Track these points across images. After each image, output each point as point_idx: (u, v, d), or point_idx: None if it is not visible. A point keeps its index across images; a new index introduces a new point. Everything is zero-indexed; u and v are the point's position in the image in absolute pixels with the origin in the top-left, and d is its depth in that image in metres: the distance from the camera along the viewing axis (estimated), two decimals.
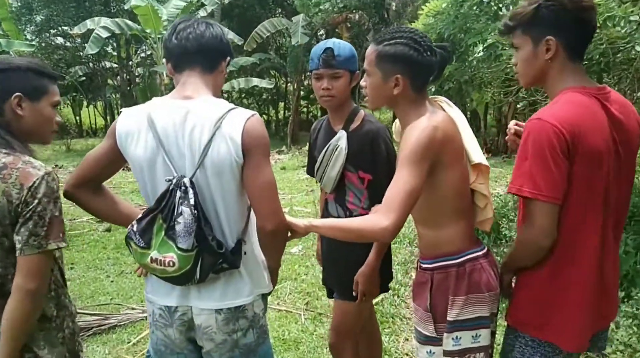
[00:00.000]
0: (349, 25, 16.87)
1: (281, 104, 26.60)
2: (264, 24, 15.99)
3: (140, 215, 1.55)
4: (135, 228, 1.53)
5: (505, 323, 1.75)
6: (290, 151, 14.88)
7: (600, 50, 3.13)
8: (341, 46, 2.15)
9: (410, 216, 1.68)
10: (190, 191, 1.50)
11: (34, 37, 20.13)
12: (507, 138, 1.90)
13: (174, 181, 1.51)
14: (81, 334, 1.93)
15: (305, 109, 27.72)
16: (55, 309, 1.65)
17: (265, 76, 20.56)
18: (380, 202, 2.06)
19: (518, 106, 6.54)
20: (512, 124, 1.87)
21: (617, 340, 3.10)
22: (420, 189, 1.59)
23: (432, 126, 1.61)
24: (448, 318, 1.72)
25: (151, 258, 1.52)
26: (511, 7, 3.83)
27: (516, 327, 1.71)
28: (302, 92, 20.28)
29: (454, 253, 1.74)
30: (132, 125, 1.59)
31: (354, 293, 2.22)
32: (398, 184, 1.58)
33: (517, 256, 1.70)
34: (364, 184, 2.20)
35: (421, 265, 1.83)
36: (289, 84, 23.40)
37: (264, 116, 24.92)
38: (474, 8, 4.12)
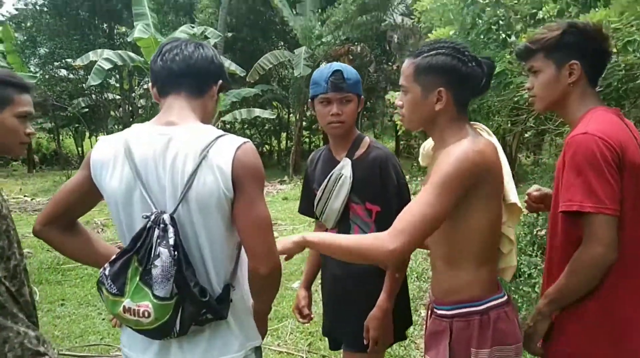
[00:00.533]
0: (351, 57, 16.98)
1: (283, 135, 26.71)
2: (266, 56, 16.12)
3: (113, 257, 1.34)
4: (107, 272, 1.33)
5: None
6: (292, 180, 14.72)
7: (618, 76, 2.98)
8: (348, 69, 2.01)
9: (423, 250, 1.52)
10: (171, 230, 1.30)
11: (37, 69, 20.34)
12: (525, 200, 1.84)
13: (152, 217, 1.32)
14: None
15: (307, 139, 27.82)
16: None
17: (267, 106, 20.64)
18: None
19: (526, 134, 6.38)
20: (532, 190, 1.82)
21: None
22: (442, 219, 1.43)
23: (475, 151, 1.45)
24: None
25: (124, 307, 1.31)
26: (520, 35, 3.70)
27: None
28: (304, 123, 20.32)
29: (477, 299, 1.53)
30: (108, 154, 1.40)
31: (365, 342, 1.97)
32: (419, 205, 1.41)
33: (574, 285, 1.50)
34: (371, 217, 1.99)
35: (436, 311, 1.62)
36: (291, 115, 23.51)
37: (266, 146, 24.98)
38: (482, 36, 3.99)
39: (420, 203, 1.42)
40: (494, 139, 1.62)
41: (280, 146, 25.81)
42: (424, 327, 1.75)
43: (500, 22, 4.03)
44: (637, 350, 1.52)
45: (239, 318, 1.47)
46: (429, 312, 1.70)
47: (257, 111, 15.61)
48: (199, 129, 1.41)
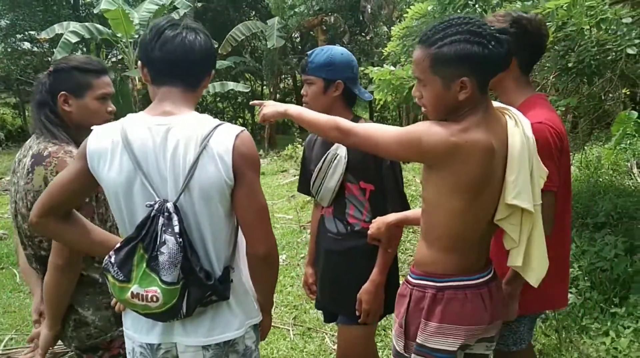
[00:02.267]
0: (325, 28, 16.78)
1: (257, 108, 26.43)
2: (238, 27, 15.78)
3: (118, 245, 1.37)
4: (113, 259, 1.36)
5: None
6: (269, 155, 14.66)
7: (591, 53, 3.07)
8: (321, 52, 2.03)
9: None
10: (175, 218, 1.34)
11: None
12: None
13: (156, 206, 1.34)
14: None
15: None
16: (101, 277, 1.79)
17: (240, 79, 20.36)
18: (382, 214, 1.95)
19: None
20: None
21: (616, 349, 3.03)
22: (385, 153, 1.63)
23: (447, 140, 1.44)
24: (417, 340, 1.60)
25: (132, 292, 1.35)
26: (496, 10, 3.75)
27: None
28: (278, 95, 20.12)
29: (436, 275, 1.59)
30: (105, 145, 1.40)
31: (358, 314, 2.06)
32: (382, 130, 1.59)
33: None
34: (365, 195, 2.05)
35: (408, 276, 1.70)
36: (264, 87, 23.25)
37: (240, 119, 24.70)
38: (459, 10, 4.03)
39: (384, 130, 1.59)
40: (518, 131, 1.53)
41: (254, 119, 25.56)
42: None
43: None
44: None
45: (238, 298, 1.53)
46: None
47: (231, 84, 15.36)
48: (197, 119, 1.43)
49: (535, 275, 1.60)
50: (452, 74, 1.45)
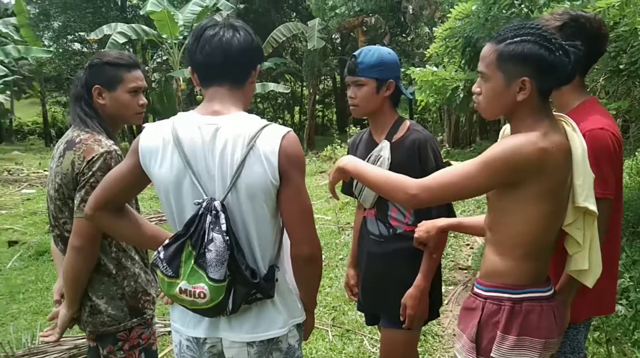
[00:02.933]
0: (365, 29, 16.74)
1: (296, 109, 26.60)
2: (279, 29, 15.95)
3: (167, 241, 1.42)
4: (162, 255, 1.40)
5: None
6: (308, 156, 14.75)
7: None
8: (369, 52, 2.00)
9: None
10: (222, 216, 1.37)
11: (51, 43, 20.36)
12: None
13: (204, 204, 1.38)
14: None
15: (320, 113, 27.69)
16: (116, 268, 1.88)
17: (280, 80, 20.54)
18: (426, 218, 1.93)
19: None
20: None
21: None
22: (470, 192, 1.48)
23: (536, 148, 1.41)
24: (492, 355, 1.54)
25: (180, 288, 1.38)
26: (544, 10, 3.66)
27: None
28: (317, 97, 20.20)
29: (512, 287, 1.54)
30: (156, 143, 1.45)
31: (402, 319, 2.04)
32: (456, 171, 1.45)
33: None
34: None
35: (474, 288, 1.65)
36: (304, 88, 23.38)
37: (279, 120, 24.94)
38: (504, 11, 3.95)
39: (459, 169, 1.45)
40: (577, 136, 1.54)
41: (293, 120, 25.75)
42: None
43: None
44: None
45: (283, 297, 1.54)
46: (472, 289, 1.72)
47: (272, 85, 15.55)
48: (245, 119, 1.45)
49: (592, 277, 1.60)
50: (515, 72, 1.45)
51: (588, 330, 2.03)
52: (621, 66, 3.14)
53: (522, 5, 3.98)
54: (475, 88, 1.59)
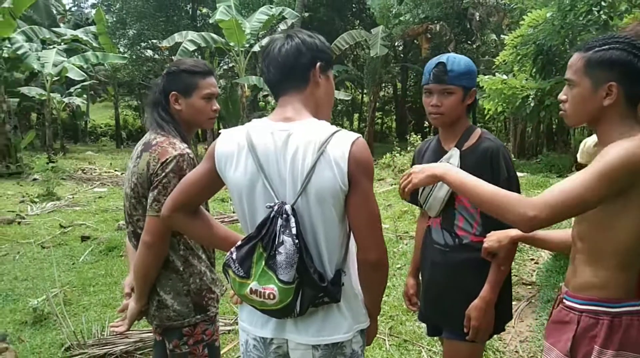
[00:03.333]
0: (429, 36, 16.56)
1: (356, 116, 26.63)
2: (342, 36, 16.07)
3: (239, 242, 1.46)
4: (234, 256, 1.44)
5: None
6: None
7: None
8: (456, 60, 1.97)
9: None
10: (292, 219, 1.39)
11: (126, 50, 21.48)
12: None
13: (275, 208, 1.40)
14: None
15: (380, 121, 27.58)
16: (183, 266, 1.95)
17: (341, 87, 20.64)
18: (495, 228, 1.87)
19: None
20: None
21: None
22: (591, 205, 1.40)
23: None
24: None
25: (250, 288, 1.42)
26: (625, 17, 3.48)
27: None
28: (377, 104, 20.14)
29: (611, 300, 1.50)
30: (232, 148, 1.50)
31: (466, 331, 1.98)
32: (574, 184, 1.39)
33: None
34: (477, 208, 1.96)
35: (566, 302, 1.60)
36: (364, 95, 23.37)
37: (338, 126, 25.01)
38: (581, 18, 3.79)
39: (576, 182, 1.40)
40: None
41: (352, 127, 25.78)
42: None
43: (603, 3, 3.81)
44: None
45: (348, 302, 1.54)
46: (557, 302, 1.69)
47: None
48: (316, 125, 1.47)
49: None
50: (602, 77, 1.47)
51: None
52: None
53: (601, 12, 3.81)
54: (561, 96, 1.59)
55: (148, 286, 1.95)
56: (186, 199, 1.57)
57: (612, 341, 1.47)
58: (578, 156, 1.75)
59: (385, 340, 3.64)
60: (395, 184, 10.33)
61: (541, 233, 1.82)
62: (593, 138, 1.67)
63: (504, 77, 4.24)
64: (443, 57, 1.98)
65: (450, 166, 1.61)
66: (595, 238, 1.52)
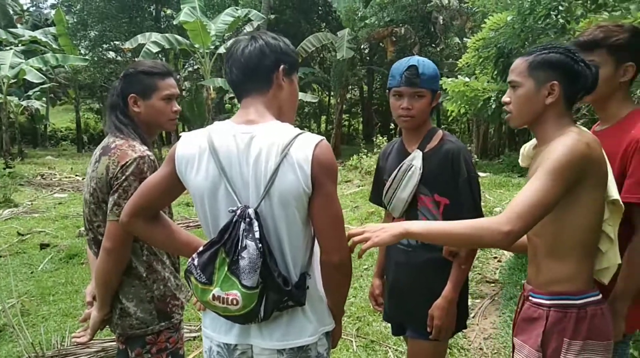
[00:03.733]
0: (394, 39, 16.75)
1: (323, 118, 26.71)
2: (309, 39, 16.09)
3: (201, 248, 1.43)
4: (196, 262, 1.41)
5: None
6: None
7: None
8: (425, 63, 2.00)
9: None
10: (255, 223, 1.37)
11: (87, 52, 20.95)
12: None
13: (238, 212, 1.38)
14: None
15: (347, 123, 27.73)
16: (146, 272, 1.91)
17: (308, 90, 20.65)
18: None
19: (578, 123, 6.20)
20: None
21: None
22: (553, 205, 1.47)
23: (584, 142, 1.49)
24: None
25: (213, 295, 1.39)
26: (581, 21, 3.59)
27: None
28: (344, 106, 20.24)
29: (576, 292, 1.58)
30: (193, 151, 1.47)
31: (429, 330, 2.01)
32: (532, 191, 1.46)
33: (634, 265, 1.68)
34: (439, 209, 2.00)
35: (533, 299, 1.66)
36: (331, 98, 23.46)
37: (306, 129, 25.02)
38: (540, 22, 3.89)
39: (534, 189, 1.46)
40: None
41: (319, 129, 25.84)
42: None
43: (560, 7, 3.92)
44: None
45: (313, 305, 1.54)
46: (522, 300, 1.75)
47: (299, 95, 15.62)
48: (279, 128, 1.46)
49: (609, 273, 1.66)
50: (545, 77, 1.59)
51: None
52: None
53: (559, 16, 3.92)
54: (505, 99, 1.69)
55: (110, 294, 1.90)
56: (145, 203, 1.53)
57: (579, 332, 1.54)
58: (520, 160, 1.82)
59: (352, 341, 3.65)
60: (362, 186, 10.39)
61: None
62: (531, 142, 1.76)
63: (467, 79, 4.32)
64: (412, 60, 2.00)
65: (409, 222, 1.58)
66: (552, 235, 1.59)
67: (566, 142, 1.49)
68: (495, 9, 4.39)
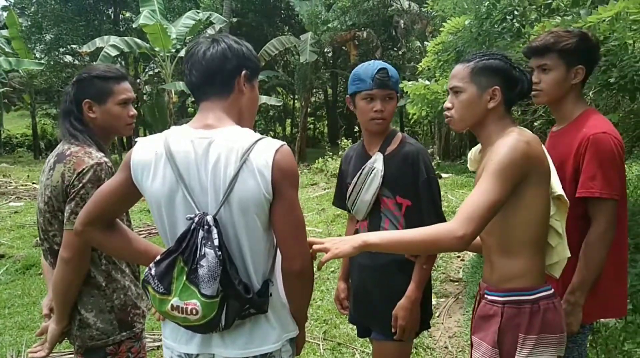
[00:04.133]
0: (357, 43, 16.89)
1: (288, 121, 26.67)
2: (272, 42, 16.05)
3: (158, 257, 1.39)
4: (153, 272, 1.37)
5: None
6: (299, 168, 14.71)
7: (635, 68, 2.98)
8: (390, 67, 2.04)
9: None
10: (214, 231, 1.35)
11: (43, 56, 20.30)
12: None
13: (196, 219, 1.35)
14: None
15: (312, 126, 27.76)
16: (105, 281, 1.86)
17: (272, 93, 20.60)
18: (417, 227, 1.93)
19: (535, 124, 6.39)
20: None
21: None
22: (501, 204, 1.52)
23: (524, 141, 1.55)
24: (516, 357, 1.60)
25: (172, 305, 1.36)
26: (535, 25, 3.70)
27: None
28: (309, 109, 20.26)
29: (529, 288, 1.62)
30: (149, 157, 1.43)
31: (393, 330, 2.03)
32: (480, 194, 1.51)
33: (596, 265, 1.80)
34: (401, 210, 2.02)
35: (488, 296, 1.70)
36: (296, 101, 23.46)
37: (271, 132, 24.95)
38: (496, 26, 3.99)
39: (481, 191, 1.51)
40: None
41: (285, 132, 25.79)
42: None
43: (515, 12, 4.03)
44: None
45: (276, 312, 1.52)
46: (478, 297, 1.79)
47: (264, 98, 15.58)
48: (238, 133, 1.44)
49: (560, 267, 1.73)
50: (487, 82, 1.65)
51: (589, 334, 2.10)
52: (611, 80, 3.17)
53: (514, 21, 4.02)
54: (447, 104, 1.74)
55: (69, 305, 1.84)
56: (100, 212, 1.48)
57: (533, 326, 1.59)
58: (468, 165, 1.89)
59: (319, 344, 3.64)
60: (328, 189, 10.41)
61: None
62: (477, 147, 1.85)
63: (427, 82, 4.37)
64: (379, 64, 2.02)
65: (368, 234, 1.58)
66: (502, 233, 1.64)
67: (507, 142, 1.55)
68: (453, 13, 4.47)
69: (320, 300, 4.52)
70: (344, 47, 18.88)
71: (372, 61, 2.09)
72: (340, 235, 6.62)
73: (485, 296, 1.70)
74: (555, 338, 1.61)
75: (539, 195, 1.59)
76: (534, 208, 1.59)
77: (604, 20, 2.77)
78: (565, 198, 1.67)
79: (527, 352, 1.58)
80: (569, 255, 1.70)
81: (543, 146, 1.66)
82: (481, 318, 1.71)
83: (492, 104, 1.64)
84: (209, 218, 1.36)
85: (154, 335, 3.78)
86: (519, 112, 6.05)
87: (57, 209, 1.82)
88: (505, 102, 1.66)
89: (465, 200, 1.53)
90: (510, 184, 1.52)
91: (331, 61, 22.32)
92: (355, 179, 2.09)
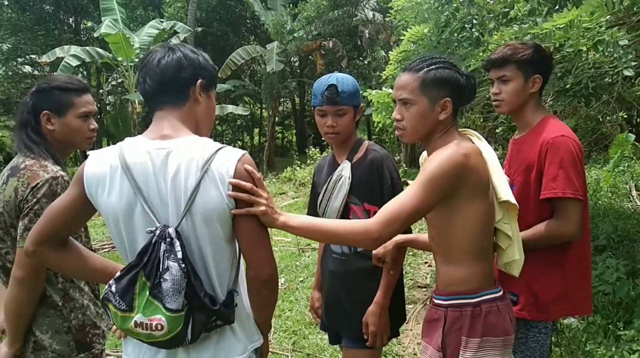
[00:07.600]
0: (323, 52, 16.99)
1: (256, 130, 26.56)
2: (238, 52, 15.97)
3: (118, 273, 1.35)
4: (113, 289, 1.32)
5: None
6: (267, 177, 14.68)
7: (588, 74, 3.09)
8: (344, 81, 2.04)
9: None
10: (177, 243, 1.32)
11: (0, 66, 19.67)
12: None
13: (157, 232, 1.32)
14: None
15: (280, 135, 27.72)
16: (62, 300, 1.80)
17: (239, 102, 20.50)
18: None
19: (497, 130, 6.55)
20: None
21: None
22: (422, 212, 1.55)
23: (460, 154, 1.55)
24: None
25: (135, 322, 1.31)
26: (494, 34, 3.80)
27: (534, 319, 1.94)
28: (277, 118, 20.24)
29: (470, 292, 1.64)
30: (103, 170, 1.38)
31: (365, 337, 2.03)
32: (405, 198, 1.53)
33: (534, 244, 1.87)
34: (369, 217, 2.03)
35: (434, 300, 1.73)
36: (263, 110, 23.39)
37: (239, 142, 24.79)
38: (456, 34, 4.08)
39: (408, 196, 1.53)
40: (483, 143, 1.73)
41: (253, 141, 25.68)
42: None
43: (474, 21, 4.12)
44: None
45: (241, 322, 1.50)
46: (430, 302, 1.81)
47: (230, 108, 15.49)
48: (197, 143, 1.41)
49: (518, 266, 1.77)
50: (437, 94, 1.63)
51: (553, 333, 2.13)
52: (567, 86, 3.27)
53: (473, 29, 4.12)
54: (396, 115, 1.71)
55: (22, 326, 1.76)
56: (52, 230, 1.42)
57: (475, 329, 1.61)
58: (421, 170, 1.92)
59: (288, 356, 3.61)
60: (296, 198, 10.40)
61: (423, 236, 1.98)
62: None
63: (390, 91, 4.43)
64: (332, 79, 2.04)
65: (290, 215, 1.53)
66: (442, 240, 1.68)
67: (443, 153, 1.56)
68: (414, 23, 4.54)
69: (289, 310, 4.49)
70: (310, 57, 18.97)
71: (330, 74, 2.10)
72: (309, 245, 6.63)
73: (433, 300, 1.74)
74: (499, 340, 1.62)
75: (475, 207, 1.60)
76: (472, 219, 1.61)
77: (559, 28, 2.86)
78: (514, 202, 1.68)
79: (470, 355, 1.60)
80: (518, 257, 1.74)
81: (488, 152, 1.69)
82: (428, 323, 1.74)
83: (443, 115, 1.64)
84: (171, 231, 1.33)
85: (117, 352, 3.68)
86: (481, 120, 6.21)
87: (9, 226, 1.76)
88: (454, 112, 1.68)
89: (392, 200, 1.55)
90: (437, 195, 1.53)
91: (298, 70, 22.38)
92: (324, 187, 2.12)
